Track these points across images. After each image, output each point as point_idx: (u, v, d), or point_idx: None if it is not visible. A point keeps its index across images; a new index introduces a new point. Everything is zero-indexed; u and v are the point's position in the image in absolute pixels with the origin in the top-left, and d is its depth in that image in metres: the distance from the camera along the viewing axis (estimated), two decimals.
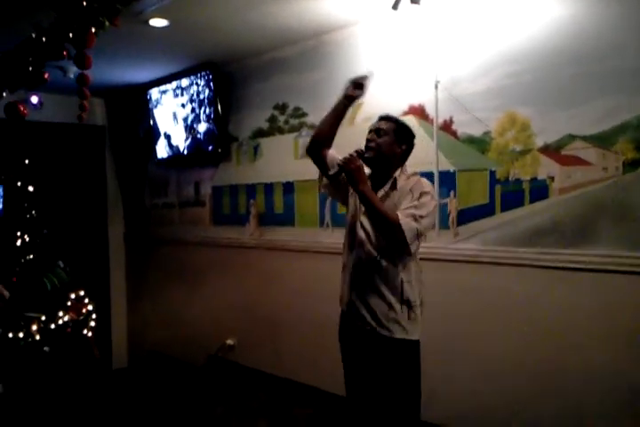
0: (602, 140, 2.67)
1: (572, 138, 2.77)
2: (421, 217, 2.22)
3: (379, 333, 2.33)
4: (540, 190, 2.90)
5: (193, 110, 4.70)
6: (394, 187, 2.36)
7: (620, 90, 2.59)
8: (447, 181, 3.23)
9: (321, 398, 3.81)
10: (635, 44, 2.54)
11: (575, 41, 2.70)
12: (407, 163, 2.47)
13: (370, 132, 2.44)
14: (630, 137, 2.58)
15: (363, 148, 2.38)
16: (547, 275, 2.83)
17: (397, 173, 2.39)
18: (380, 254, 2.33)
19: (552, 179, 2.86)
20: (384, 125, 2.42)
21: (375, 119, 3.51)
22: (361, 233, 2.39)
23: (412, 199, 2.26)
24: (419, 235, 2.23)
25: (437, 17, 3.21)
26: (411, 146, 2.45)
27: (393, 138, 2.39)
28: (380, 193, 2.37)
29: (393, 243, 2.26)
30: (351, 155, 2.29)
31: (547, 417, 2.84)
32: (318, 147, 2.50)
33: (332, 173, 2.33)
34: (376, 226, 2.30)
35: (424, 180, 2.37)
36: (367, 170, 2.39)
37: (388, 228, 2.22)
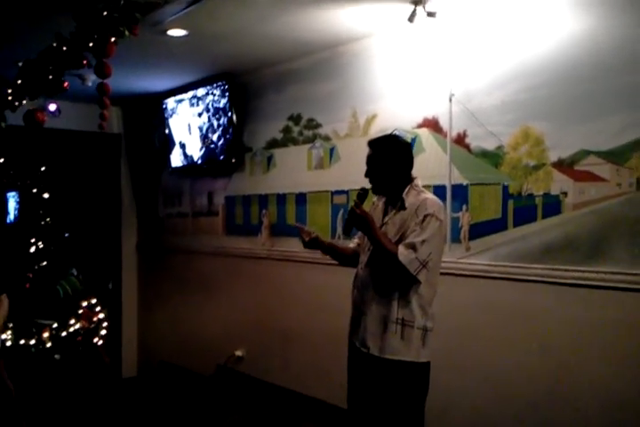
0: (616, 156, 2.65)
1: (586, 153, 2.75)
2: (422, 243, 2.24)
3: (369, 353, 2.35)
4: (552, 206, 2.88)
5: (208, 120, 4.74)
6: (402, 207, 2.37)
7: (636, 106, 2.57)
8: (460, 195, 3.21)
9: (329, 411, 3.78)
10: None
11: (591, 56, 2.69)
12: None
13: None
14: None
15: (364, 186, 2.46)
16: (558, 291, 2.80)
17: (405, 192, 2.39)
18: (375, 275, 2.38)
19: (565, 194, 2.84)
20: (369, 153, 2.47)
21: (388, 131, 3.54)
22: (362, 258, 2.48)
23: (416, 224, 2.29)
24: (423, 263, 2.25)
25: (453, 30, 3.22)
26: (403, 159, 2.44)
27: (380, 161, 2.41)
28: (390, 213, 2.41)
29: (399, 276, 2.29)
30: (354, 202, 2.36)
31: None
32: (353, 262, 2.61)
33: (343, 231, 2.51)
34: (381, 264, 2.35)
35: (431, 198, 2.37)
36: (381, 202, 2.50)
37: (390, 263, 2.27)
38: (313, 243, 2.58)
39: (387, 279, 2.34)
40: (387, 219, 2.42)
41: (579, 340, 2.74)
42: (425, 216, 2.28)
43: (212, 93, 4.63)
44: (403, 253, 2.23)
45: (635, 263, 2.55)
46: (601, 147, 2.69)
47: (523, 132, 2.95)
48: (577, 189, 2.80)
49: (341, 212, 3.81)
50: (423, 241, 2.24)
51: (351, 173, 3.67)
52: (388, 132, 3.50)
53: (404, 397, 2.34)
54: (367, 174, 2.46)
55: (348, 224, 2.39)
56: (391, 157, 2.41)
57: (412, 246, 2.24)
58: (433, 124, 3.33)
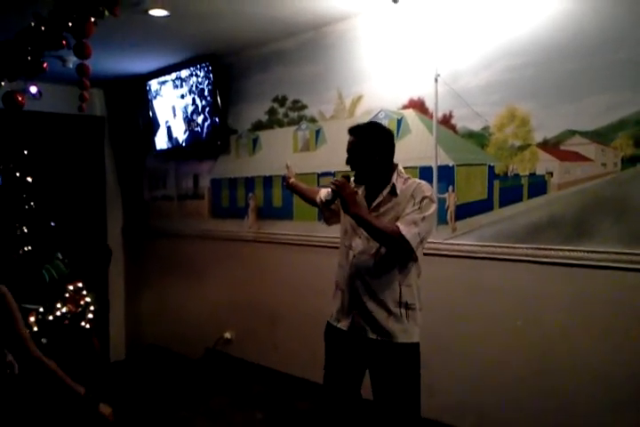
0: (601, 136, 2.66)
1: (571, 133, 2.75)
2: (422, 219, 2.25)
3: (380, 340, 2.34)
4: (538, 186, 2.89)
5: (192, 102, 4.69)
6: (393, 193, 2.36)
7: (620, 85, 2.57)
8: (446, 176, 3.21)
9: (318, 391, 3.81)
10: (635, 39, 2.52)
11: (576, 35, 2.68)
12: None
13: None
14: (629, 133, 2.57)
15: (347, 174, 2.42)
16: (543, 271, 2.83)
17: (394, 178, 2.37)
18: (377, 261, 2.35)
19: (551, 174, 2.85)
20: (351, 140, 2.41)
21: (374, 113, 3.52)
22: (356, 243, 2.41)
23: (414, 204, 2.28)
24: (422, 239, 2.26)
25: (438, 10, 3.19)
26: (387, 147, 2.40)
27: (363, 149, 2.36)
28: (379, 198, 2.38)
29: (399, 253, 2.29)
30: (341, 180, 2.32)
31: (543, 411, 2.84)
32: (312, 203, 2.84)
33: (328, 198, 2.40)
34: (379, 241, 2.31)
35: (424, 183, 2.37)
36: (361, 190, 2.43)
37: (391, 241, 2.25)
38: (289, 187, 2.92)
39: (390, 264, 2.33)
40: (376, 204, 2.38)
41: (565, 319, 2.77)
42: (423, 198, 2.29)
43: (196, 75, 4.58)
44: (404, 228, 2.22)
45: (620, 242, 2.58)
46: (586, 127, 2.70)
47: (508, 113, 2.95)
48: (562, 169, 2.81)
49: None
50: (423, 218, 2.26)
51: (338, 154, 3.63)
52: (374, 113, 3.49)
53: (412, 377, 2.37)
54: (349, 162, 2.41)
55: (335, 196, 2.34)
56: (375, 144, 2.36)
57: (414, 222, 2.24)
58: (419, 105, 3.32)
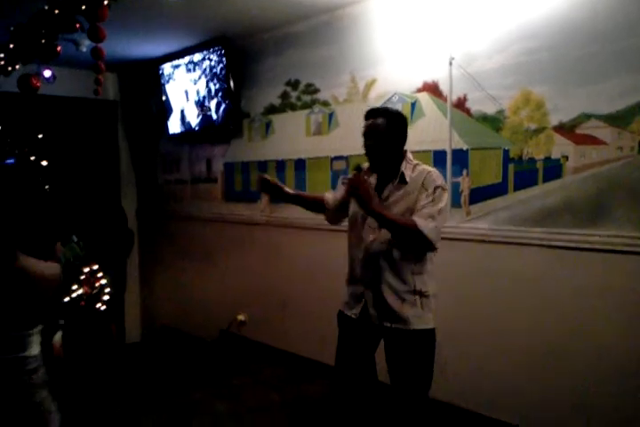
0: (617, 120, 2.63)
1: (587, 117, 2.73)
2: (439, 212, 2.25)
3: (395, 327, 2.35)
4: (553, 170, 2.87)
5: (205, 85, 4.68)
6: (403, 181, 2.34)
7: (637, 68, 2.54)
8: (460, 160, 3.20)
9: (329, 374, 3.85)
10: None
11: (592, 18, 2.64)
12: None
13: (363, 135, 2.38)
14: None
15: (360, 164, 2.39)
16: (558, 255, 2.82)
17: (403, 167, 2.35)
18: (390, 251, 2.34)
19: (566, 158, 2.83)
20: (375, 123, 2.35)
21: (388, 96, 3.50)
22: (367, 234, 2.40)
23: (427, 195, 2.27)
24: (439, 232, 2.27)
25: None
26: (403, 133, 2.38)
27: (386, 133, 2.33)
28: (389, 188, 2.36)
29: (419, 247, 2.30)
30: (354, 176, 2.28)
31: (555, 394, 2.85)
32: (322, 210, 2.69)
33: (344, 201, 2.38)
34: (398, 237, 2.30)
35: (434, 171, 2.35)
36: (373, 179, 2.41)
37: (410, 236, 2.25)
38: (266, 186, 2.61)
39: (403, 254, 2.33)
40: (386, 193, 2.36)
41: (579, 303, 2.77)
42: (435, 188, 2.28)
43: (209, 59, 4.56)
44: (422, 223, 2.22)
45: (635, 226, 2.56)
46: (602, 110, 2.67)
47: (523, 96, 2.92)
48: (578, 153, 2.79)
49: (340, 177, 3.79)
50: (439, 210, 2.26)
51: (351, 138, 3.65)
52: (388, 96, 3.48)
53: (426, 363, 2.38)
54: (367, 146, 2.36)
55: (351, 195, 2.32)
56: (394, 128, 2.34)
57: (431, 216, 2.24)
58: (433, 89, 3.29)
